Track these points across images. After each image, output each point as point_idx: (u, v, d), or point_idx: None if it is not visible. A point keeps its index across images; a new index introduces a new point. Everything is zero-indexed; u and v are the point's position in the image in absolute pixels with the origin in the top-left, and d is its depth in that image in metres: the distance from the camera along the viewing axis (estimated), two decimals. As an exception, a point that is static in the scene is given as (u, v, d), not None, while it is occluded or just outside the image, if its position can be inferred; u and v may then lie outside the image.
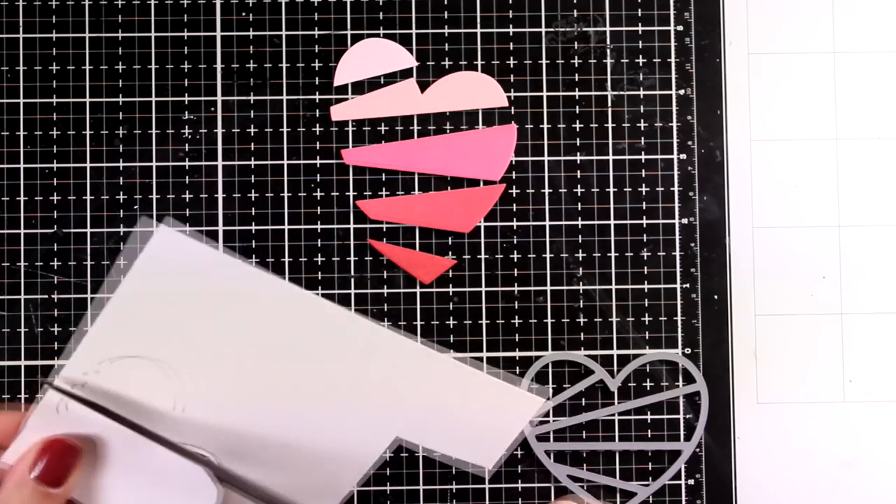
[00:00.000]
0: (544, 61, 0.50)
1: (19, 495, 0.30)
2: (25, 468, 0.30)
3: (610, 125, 0.50)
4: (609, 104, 0.50)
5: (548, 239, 0.50)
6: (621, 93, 0.51)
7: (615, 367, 0.50)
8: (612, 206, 0.50)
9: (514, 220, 0.50)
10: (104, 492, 0.32)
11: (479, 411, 0.35)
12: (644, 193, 0.50)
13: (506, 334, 0.50)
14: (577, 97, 0.50)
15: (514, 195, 0.50)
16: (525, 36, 0.51)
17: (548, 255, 0.50)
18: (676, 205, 0.50)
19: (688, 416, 0.50)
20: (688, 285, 0.50)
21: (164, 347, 0.33)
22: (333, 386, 0.34)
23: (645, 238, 0.50)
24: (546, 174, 0.50)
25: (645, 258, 0.50)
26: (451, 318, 0.50)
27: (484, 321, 0.50)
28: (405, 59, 0.50)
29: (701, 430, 0.49)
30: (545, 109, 0.50)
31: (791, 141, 0.51)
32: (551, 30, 0.51)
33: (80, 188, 0.50)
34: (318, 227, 0.50)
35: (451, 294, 0.50)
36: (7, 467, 0.31)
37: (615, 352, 0.50)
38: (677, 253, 0.50)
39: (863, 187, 0.51)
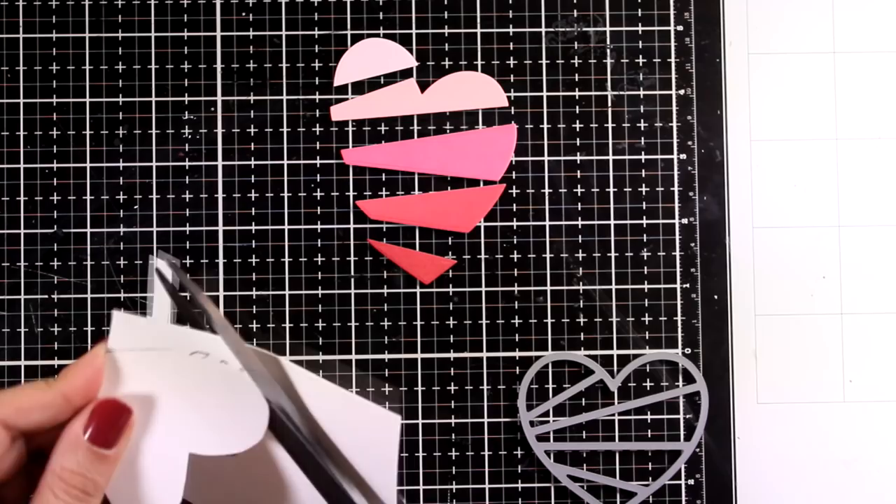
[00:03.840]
0: (544, 61, 0.50)
1: (74, 457, 0.30)
2: (79, 430, 0.31)
3: (610, 125, 0.50)
4: (609, 104, 0.50)
5: (548, 239, 0.50)
6: (621, 93, 0.51)
7: (615, 367, 0.50)
8: (612, 206, 0.50)
9: (514, 220, 0.50)
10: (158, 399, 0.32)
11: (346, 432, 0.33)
12: (644, 193, 0.50)
13: (506, 334, 0.50)
14: (577, 97, 0.50)
15: (514, 195, 0.50)
16: (525, 36, 0.51)
17: (548, 255, 0.50)
18: (676, 205, 0.50)
19: (688, 416, 0.50)
20: (688, 285, 0.50)
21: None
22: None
23: (645, 238, 0.50)
24: (546, 174, 0.50)
25: (645, 258, 0.50)
26: (451, 318, 0.50)
27: (484, 321, 0.50)
28: (405, 59, 0.50)
29: (701, 430, 0.49)
30: (545, 109, 0.50)
31: (791, 141, 0.51)
32: (551, 30, 0.51)
33: (80, 188, 0.50)
34: (318, 227, 0.50)
35: (451, 294, 0.50)
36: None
37: (615, 352, 0.50)
38: (677, 253, 0.50)
39: (863, 187, 0.51)
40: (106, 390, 0.32)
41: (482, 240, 0.50)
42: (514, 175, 0.50)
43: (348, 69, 0.50)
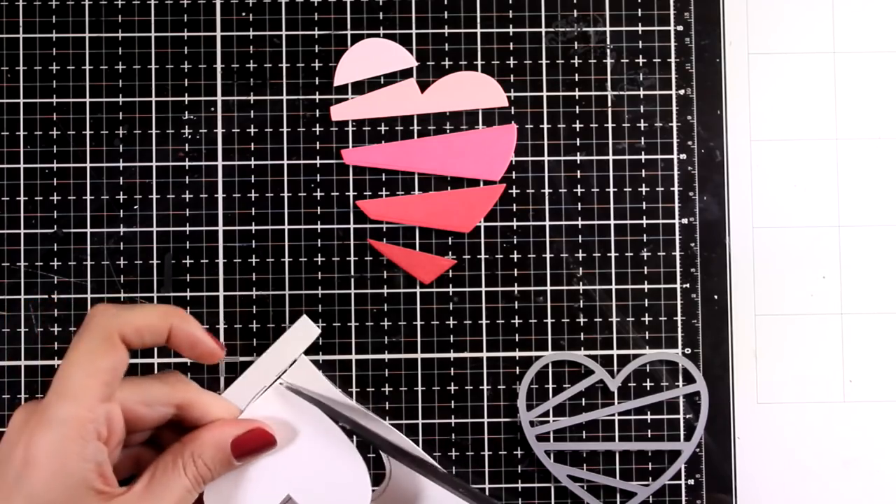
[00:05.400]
0: (544, 61, 0.51)
1: (213, 453, 0.35)
2: (231, 434, 0.36)
3: (610, 125, 0.50)
4: (609, 104, 0.50)
5: (548, 239, 0.50)
6: (621, 93, 0.51)
7: (615, 367, 0.50)
8: (612, 206, 0.50)
9: (514, 220, 0.50)
10: (279, 456, 0.37)
11: None
12: (644, 193, 0.50)
13: (506, 334, 0.50)
14: (577, 97, 0.50)
15: (514, 195, 0.50)
16: (525, 36, 0.51)
17: (548, 255, 0.50)
18: (676, 205, 0.50)
19: (688, 416, 0.50)
20: (688, 285, 0.50)
21: None
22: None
23: (645, 238, 0.50)
24: (546, 174, 0.50)
25: (645, 258, 0.50)
26: (451, 318, 0.50)
27: (484, 321, 0.50)
28: (405, 59, 0.50)
29: (701, 430, 0.49)
30: (545, 109, 0.50)
31: (791, 141, 0.51)
32: (551, 30, 0.51)
33: (80, 188, 0.50)
34: (318, 227, 0.50)
35: (451, 294, 0.50)
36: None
37: (615, 352, 0.50)
38: (677, 253, 0.50)
39: (863, 187, 0.51)
40: (258, 409, 0.37)
41: (482, 240, 0.50)
42: (514, 175, 0.50)
43: (348, 69, 0.50)
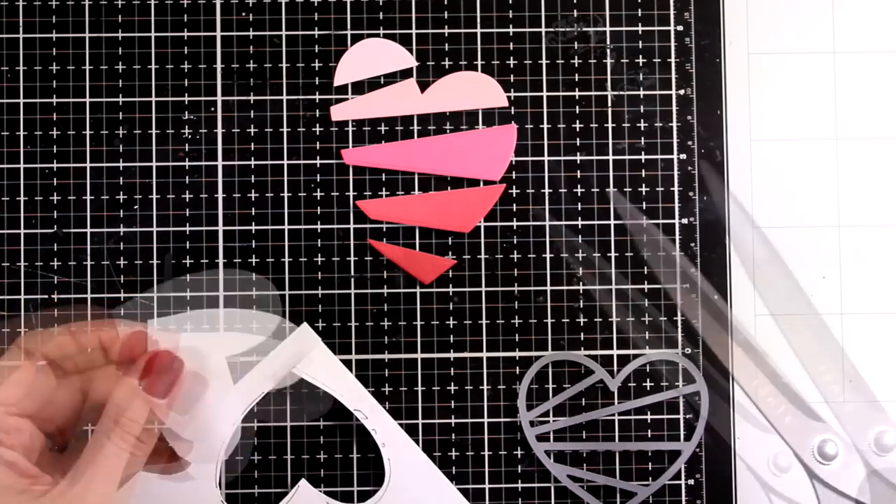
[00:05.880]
0: (544, 61, 0.50)
1: (127, 403, 0.33)
2: (135, 380, 0.33)
3: (610, 125, 0.50)
4: (609, 104, 0.50)
5: (548, 239, 0.50)
6: (621, 93, 0.51)
7: (615, 367, 0.50)
8: (612, 206, 0.50)
9: (514, 220, 0.50)
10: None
11: None
12: (644, 193, 0.50)
13: (506, 334, 0.50)
14: (577, 97, 0.50)
15: (514, 195, 0.50)
16: (525, 36, 0.51)
17: (548, 255, 0.50)
18: (676, 205, 0.50)
19: (688, 416, 0.50)
20: (688, 285, 0.50)
21: None
22: None
23: (645, 238, 0.50)
24: (546, 174, 0.50)
25: (645, 258, 0.50)
26: (451, 318, 0.50)
27: (484, 321, 0.50)
28: (405, 59, 0.50)
29: (701, 430, 0.49)
30: (545, 109, 0.50)
31: (791, 141, 0.51)
32: (551, 30, 0.51)
33: (80, 188, 0.50)
34: (318, 227, 0.50)
35: (451, 294, 0.50)
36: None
37: (615, 352, 0.50)
38: (677, 253, 0.50)
39: (863, 187, 0.51)
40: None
41: (482, 240, 0.50)
42: (514, 175, 0.50)
43: (348, 69, 0.50)
